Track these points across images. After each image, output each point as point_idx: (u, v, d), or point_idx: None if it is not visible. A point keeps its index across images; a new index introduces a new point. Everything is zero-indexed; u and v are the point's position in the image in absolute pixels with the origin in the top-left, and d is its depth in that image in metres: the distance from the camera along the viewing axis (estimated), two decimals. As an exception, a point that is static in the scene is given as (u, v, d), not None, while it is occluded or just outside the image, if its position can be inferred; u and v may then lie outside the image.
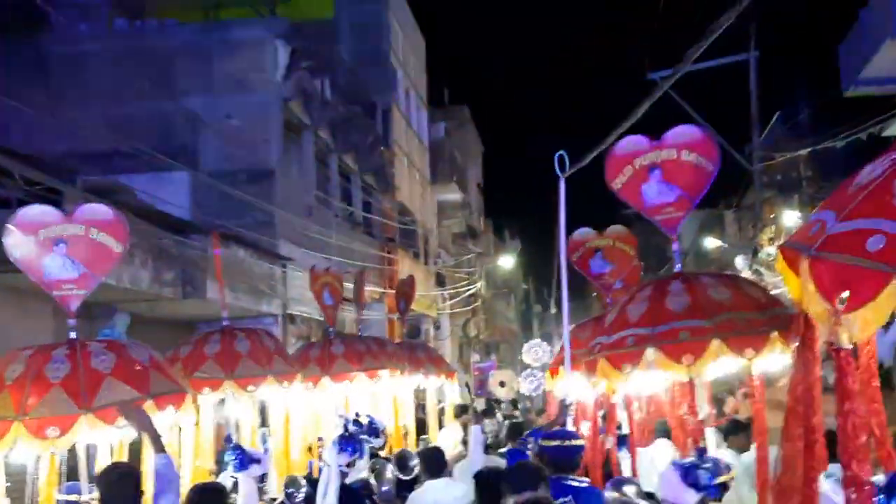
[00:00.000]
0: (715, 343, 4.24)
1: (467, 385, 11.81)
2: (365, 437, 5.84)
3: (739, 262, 20.57)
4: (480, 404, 16.39)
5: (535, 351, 20.94)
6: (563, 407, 5.46)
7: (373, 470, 6.76)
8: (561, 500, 4.10)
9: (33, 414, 4.21)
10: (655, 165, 4.97)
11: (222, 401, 6.80)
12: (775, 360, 4.32)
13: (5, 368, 4.41)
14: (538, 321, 57.28)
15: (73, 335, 4.78)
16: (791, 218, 20.51)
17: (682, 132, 5.04)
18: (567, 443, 4.77)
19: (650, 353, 4.34)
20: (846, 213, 2.60)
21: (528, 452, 4.99)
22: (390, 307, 15.77)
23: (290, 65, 15.01)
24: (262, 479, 5.56)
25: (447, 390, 11.07)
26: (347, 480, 5.59)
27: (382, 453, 7.93)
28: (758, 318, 4.33)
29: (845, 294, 2.48)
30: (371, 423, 6.37)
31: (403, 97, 25.04)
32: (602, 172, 5.14)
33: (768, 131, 23.59)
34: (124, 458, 4.90)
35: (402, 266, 21.36)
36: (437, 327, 27.81)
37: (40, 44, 14.76)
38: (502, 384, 19.09)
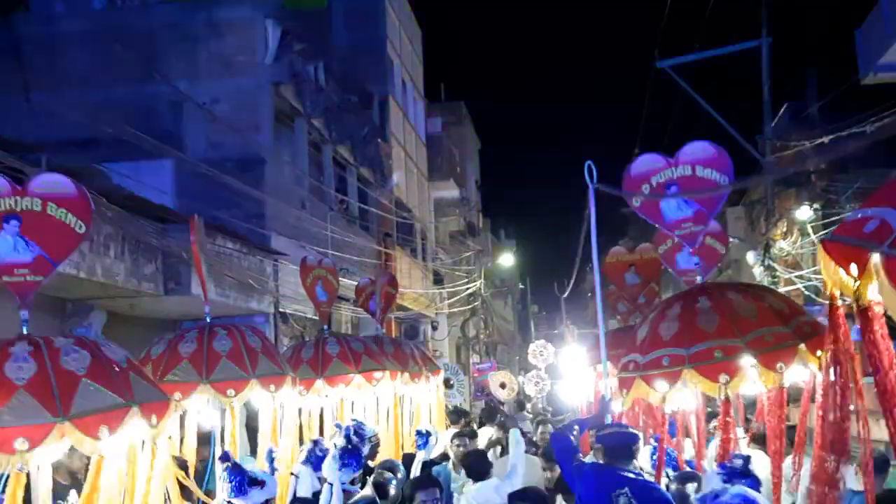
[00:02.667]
0: (748, 360, 4.49)
1: (447, 382, 11.21)
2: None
3: (751, 257, 19.93)
4: (476, 406, 15.60)
5: (540, 352, 20.27)
6: (604, 403, 5.36)
7: (376, 484, 5.92)
8: (617, 491, 4.24)
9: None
10: (672, 182, 5.17)
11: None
12: (801, 370, 4.54)
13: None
14: (535, 322, 56.62)
15: (24, 331, 4.05)
16: (804, 212, 19.74)
17: (697, 149, 5.21)
18: (623, 430, 4.86)
19: (687, 373, 4.58)
20: None
21: (573, 437, 4.90)
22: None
23: (280, 47, 14.10)
24: None
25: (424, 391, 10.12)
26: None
27: (371, 463, 7.18)
28: (784, 331, 4.56)
29: None
30: (358, 428, 5.85)
31: (400, 88, 24.15)
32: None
33: (775, 124, 22.87)
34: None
35: (399, 263, 20.49)
36: (435, 327, 26.97)
37: (14, 24, 13.85)
38: (503, 386, 18.43)
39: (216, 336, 5.92)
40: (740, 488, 4.00)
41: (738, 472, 3.96)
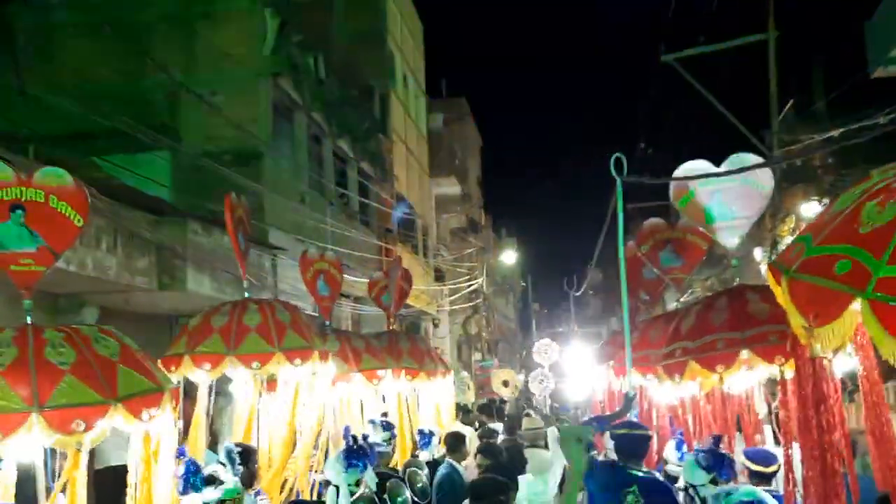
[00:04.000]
0: (744, 353, 4.81)
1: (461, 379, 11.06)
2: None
3: (758, 253, 19.67)
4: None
5: (544, 350, 20.05)
6: (627, 400, 5.36)
7: (386, 492, 5.67)
8: (625, 489, 4.38)
9: None
10: (718, 189, 5.49)
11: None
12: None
13: None
14: (536, 319, 56.36)
15: (28, 320, 4.08)
16: (811, 208, 19.44)
17: (741, 159, 5.59)
18: (634, 432, 4.95)
19: (745, 353, 4.83)
20: (821, 239, 2.94)
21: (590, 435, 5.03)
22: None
23: (279, 38, 13.78)
24: None
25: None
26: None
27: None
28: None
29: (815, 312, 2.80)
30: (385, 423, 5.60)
31: (402, 83, 23.83)
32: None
33: (781, 119, 22.59)
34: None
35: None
36: (436, 325, 26.69)
37: (6, 13, 13.52)
38: (506, 384, 18.20)
39: (247, 310, 6.06)
40: (750, 488, 4.18)
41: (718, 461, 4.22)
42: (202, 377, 5.98)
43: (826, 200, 19.50)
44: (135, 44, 12.83)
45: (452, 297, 25.40)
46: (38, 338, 3.83)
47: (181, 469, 4.16)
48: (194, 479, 4.17)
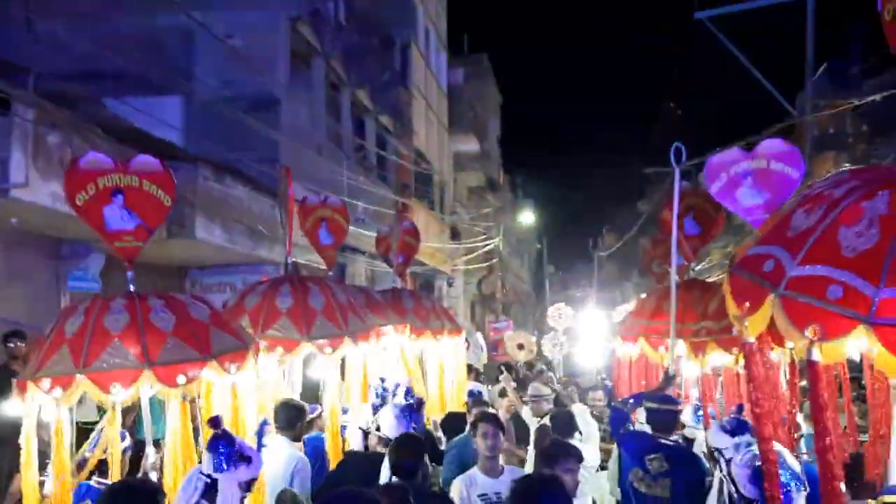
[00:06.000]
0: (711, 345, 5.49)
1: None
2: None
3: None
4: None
5: (559, 314, 19.70)
6: (668, 377, 5.70)
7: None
8: (651, 455, 4.78)
9: (96, 367, 4.22)
10: (748, 173, 5.63)
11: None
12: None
13: (65, 322, 4.40)
14: (550, 282, 55.99)
15: (132, 288, 4.71)
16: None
17: (772, 145, 5.69)
18: (664, 406, 5.22)
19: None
20: (802, 258, 3.17)
21: (627, 408, 5.38)
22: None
23: (299, -21, 13.23)
24: (249, 486, 3.89)
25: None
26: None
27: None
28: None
29: (815, 326, 3.01)
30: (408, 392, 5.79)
31: (423, 35, 23.18)
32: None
33: (814, 84, 21.89)
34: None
35: (416, 217, 19.75)
36: (451, 284, 26.33)
37: (17, -54, 12.99)
38: (521, 347, 17.86)
39: (279, 292, 6.12)
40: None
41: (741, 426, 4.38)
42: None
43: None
44: (149, -18, 12.33)
45: (468, 257, 25.00)
46: (144, 305, 4.46)
47: (214, 444, 3.77)
48: (231, 453, 3.74)
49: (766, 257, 3.31)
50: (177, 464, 4.47)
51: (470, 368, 11.55)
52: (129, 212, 4.82)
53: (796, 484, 3.66)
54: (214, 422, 3.83)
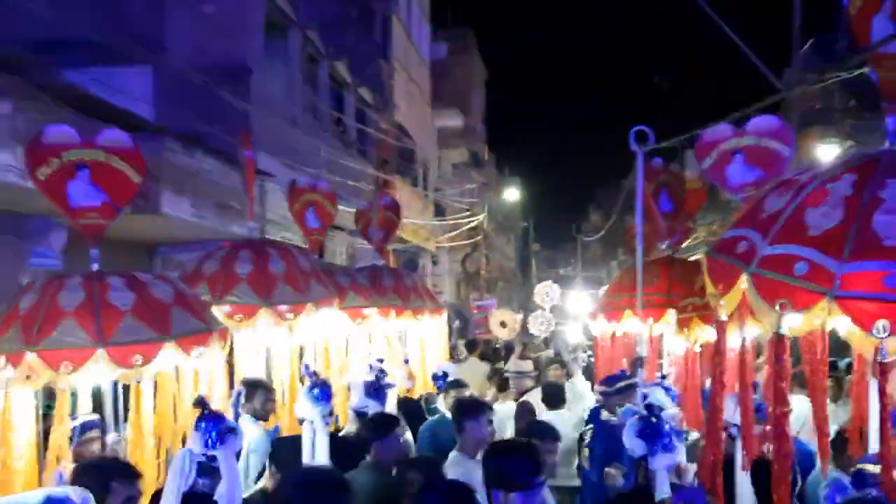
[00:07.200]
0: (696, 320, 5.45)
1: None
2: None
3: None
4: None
5: (546, 293, 19.43)
6: (636, 360, 6.13)
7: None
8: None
9: (46, 345, 4.14)
10: (739, 150, 5.58)
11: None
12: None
13: (21, 299, 4.35)
14: (537, 260, 55.82)
15: (95, 266, 4.70)
16: (830, 152, 18.53)
17: (763, 122, 5.60)
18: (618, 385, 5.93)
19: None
20: (773, 238, 3.40)
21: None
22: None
23: (273, -56, 12.73)
24: (237, 456, 4.05)
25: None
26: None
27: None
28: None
29: (783, 301, 3.25)
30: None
31: (405, 6, 22.64)
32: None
33: (801, 58, 21.58)
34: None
35: (399, 193, 19.35)
36: (435, 262, 26.00)
37: None
38: (503, 325, 17.62)
39: (270, 257, 6.03)
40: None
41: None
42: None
43: (849, 143, 18.59)
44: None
45: (452, 234, 24.65)
46: (102, 283, 4.40)
47: (203, 424, 3.73)
48: (219, 429, 3.73)
49: (740, 239, 3.54)
50: (138, 445, 4.46)
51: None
52: (95, 187, 4.74)
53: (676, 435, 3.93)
54: (201, 402, 3.84)
